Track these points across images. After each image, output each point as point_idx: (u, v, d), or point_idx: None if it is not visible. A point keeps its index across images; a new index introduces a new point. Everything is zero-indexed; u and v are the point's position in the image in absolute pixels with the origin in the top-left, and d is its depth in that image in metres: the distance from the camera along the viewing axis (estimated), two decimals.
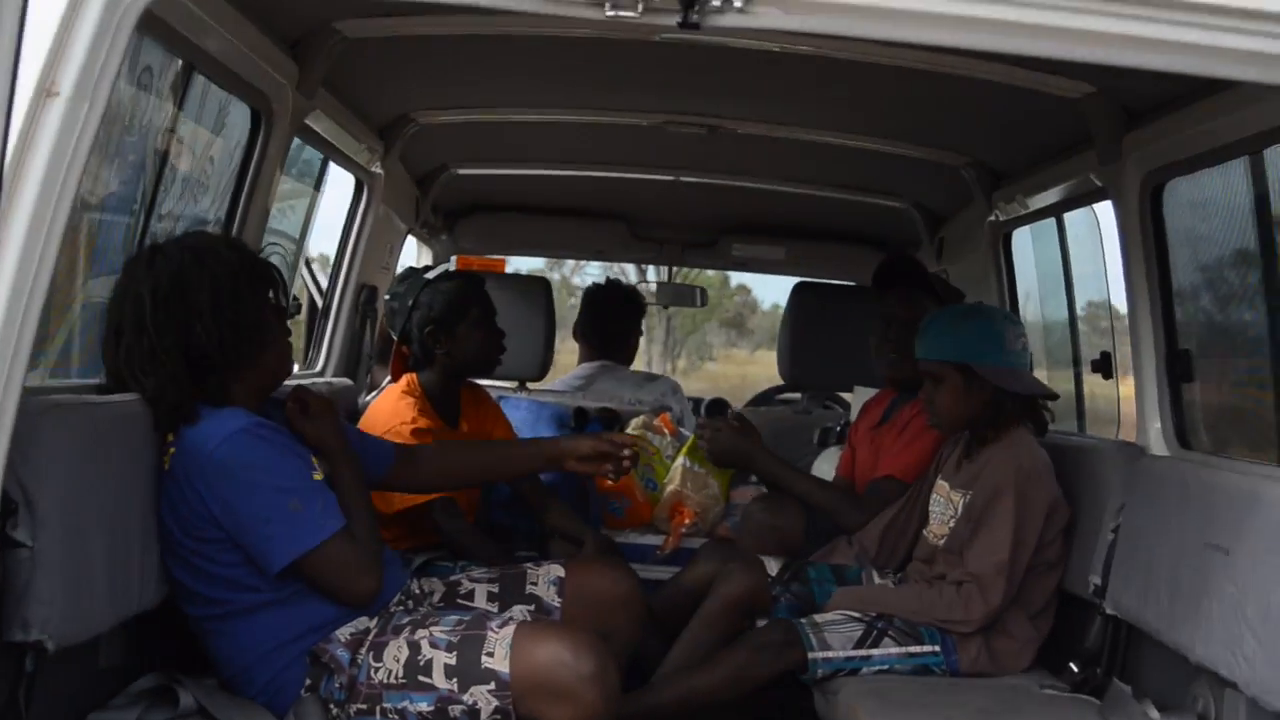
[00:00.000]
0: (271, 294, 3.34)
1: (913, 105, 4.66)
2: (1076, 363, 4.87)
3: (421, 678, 3.20)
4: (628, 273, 11.10)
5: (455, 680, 3.19)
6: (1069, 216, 4.90)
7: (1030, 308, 5.39)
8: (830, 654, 4.02)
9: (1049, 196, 4.86)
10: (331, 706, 3.21)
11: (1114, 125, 4.04)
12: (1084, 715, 3.67)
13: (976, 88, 4.04)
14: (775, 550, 4.56)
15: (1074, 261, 4.95)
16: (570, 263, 19.14)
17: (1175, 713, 3.47)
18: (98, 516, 2.82)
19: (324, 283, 5.49)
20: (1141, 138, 3.95)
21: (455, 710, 3.19)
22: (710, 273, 22.07)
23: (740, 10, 2.41)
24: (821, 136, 5.25)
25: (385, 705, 3.21)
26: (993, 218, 5.36)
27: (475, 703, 3.17)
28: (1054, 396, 4.33)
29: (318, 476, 3.27)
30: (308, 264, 5.58)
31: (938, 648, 4.05)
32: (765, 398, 7.54)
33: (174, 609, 3.27)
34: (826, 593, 4.22)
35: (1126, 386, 4.37)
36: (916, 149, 5.30)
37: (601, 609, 3.74)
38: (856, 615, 4.09)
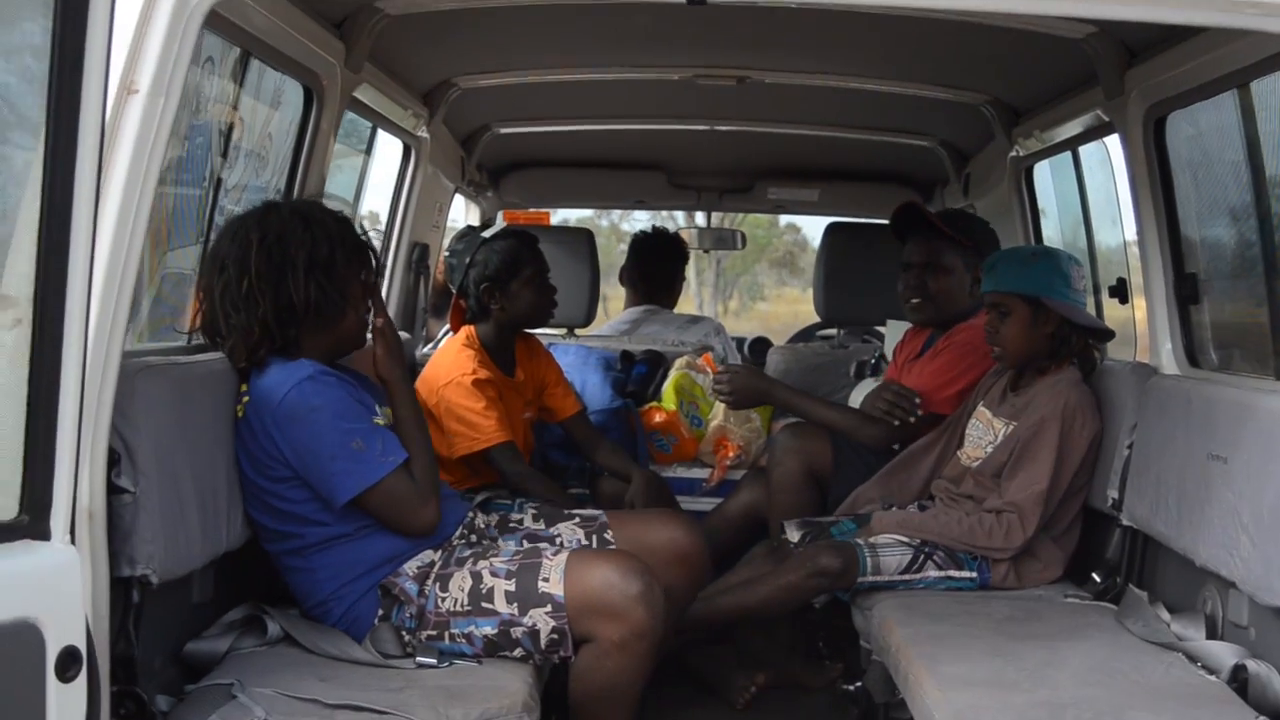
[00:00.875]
0: (364, 272, 3.63)
1: (933, 48, 4.83)
2: (1096, 290, 5.08)
3: (485, 604, 3.49)
4: (677, 219, 11.35)
5: (515, 605, 3.47)
6: (1084, 150, 5.08)
7: (1052, 238, 5.60)
8: (879, 577, 4.27)
9: (1063, 132, 5.07)
10: (403, 633, 3.50)
11: (1116, 62, 4.24)
12: (1101, 620, 3.92)
13: (991, 30, 4.22)
14: (804, 471, 4.81)
15: (1090, 193, 5.14)
16: (619, 211, 19.24)
17: (1185, 614, 3.72)
18: (188, 464, 3.14)
19: (377, 242, 5.76)
20: (1142, 73, 4.15)
21: (517, 632, 3.47)
22: (760, 215, 22.25)
23: None
24: (847, 82, 5.44)
25: (453, 630, 3.49)
26: (1014, 153, 5.57)
27: (535, 624, 3.46)
28: (1112, 334, 4.54)
29: (379, 421, 3.56)
30: (361, 225, 5.86)
31: (974, 574, 4.30)
32: (806, 334, 7.78)
33: (258, 549, 3.60)
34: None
35: (1143, 310, 4.56)
36: (939, 90, 5.50)
37: (662, 561, 3.87)
38: (906, 540, 4.32)
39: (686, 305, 29.55)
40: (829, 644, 4.97)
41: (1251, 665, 3.27)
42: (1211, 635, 3.57)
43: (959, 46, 4.74)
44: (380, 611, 3.53)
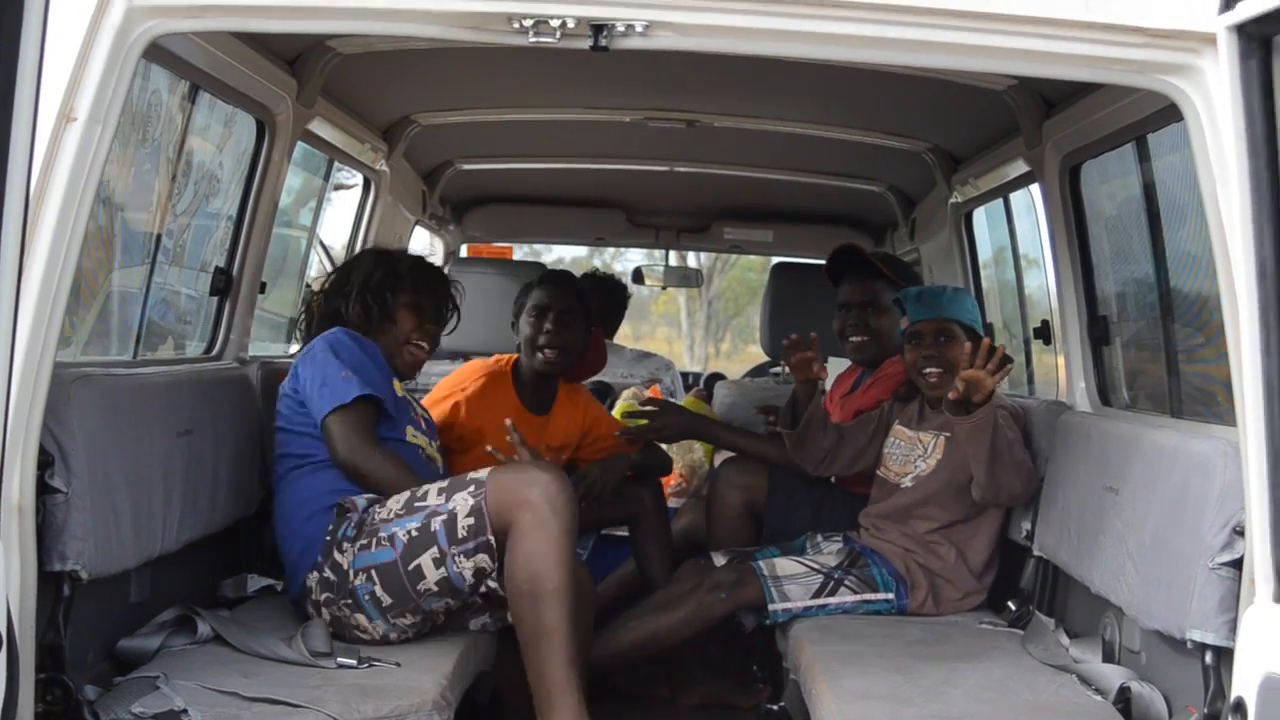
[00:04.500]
0: (411, 301, 4.32)
1: (874, 96, 5.03)
2: (1025, 330, 5.28)
3: (417, 504, 3.78)
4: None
5: (443, 496, 3.76)
6: (1014, 198, 5.30)
7: (987, 280, 5.81)
8: (789, 605, 4.46)
9: (995, 179, 5.28)
10: (340, 556, 3.78)
11: (1034, 113, 4.46)
12: (1007, 644, 4.08)
13: (925, 80, 4.42)
14: (742, 503, 5.01)
15: (1020, 238, 5.36)
16: (610, 250, 19.45)
17: (1085, 639, 3.89)
18: (121, 469, 3.31)
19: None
20: (1057, 124, 4.36)
21: (435, 523, 3.72)
22: (753, 257, 22.44)
23: (642, 34, 2.89)
24: (795, 128, 5.65)
25: (380, 535, 3.77)
26: (953, 199, 5.78)
27: (454, 508, 3.71)
28: (1011, 361, 4.75)
29: (399, 390, 4.18)
30: (328, 254, 6.05)
31: (891, 595, 4.48)
32: (760, 370, 7.97)
33: (196, 553, 3.80)
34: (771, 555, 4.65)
35: None
36: (884, 137, 5.71)
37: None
38: (815, 566, 4.53)
39: (677, 346, 29.64)
40: (763, 667, 5.13)
41: (1135, 686, 3.44)
42: (1108, 659, 3.72)
43: (898, 95, 4.93)
44: (330, 528, 3.86)
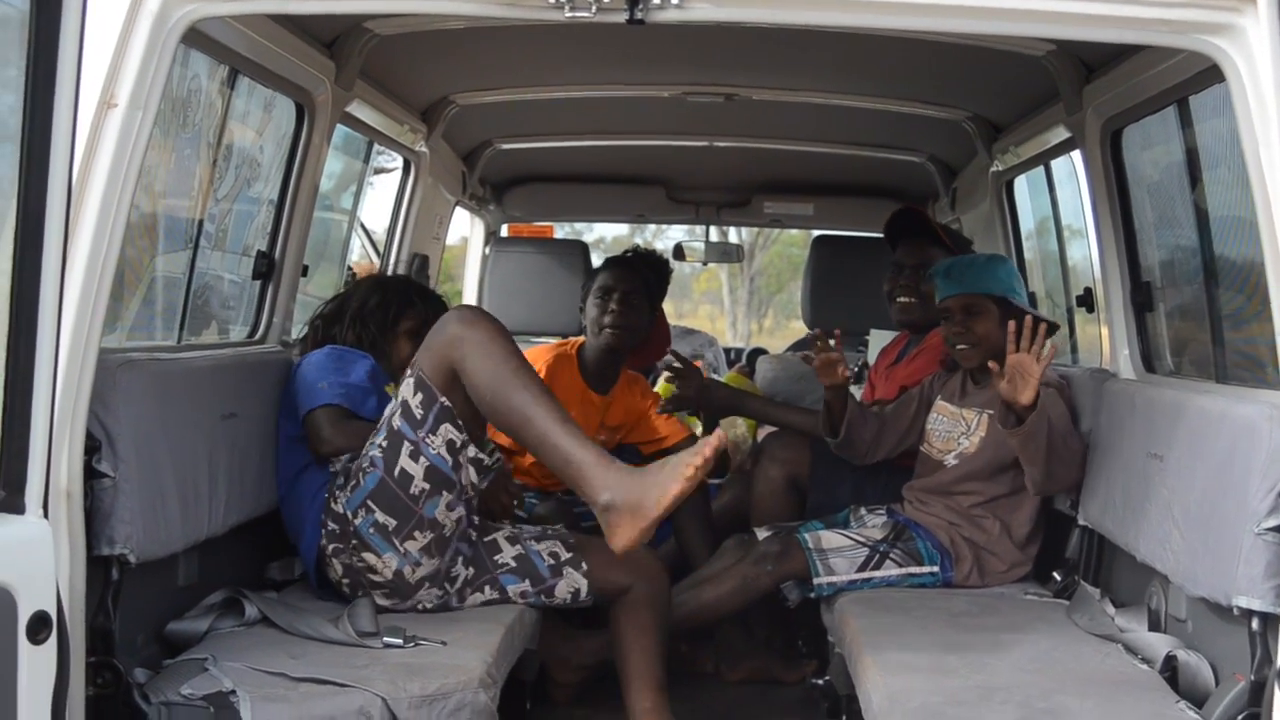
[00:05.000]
0: (408, 329, 4.41)
1: (914, 65, 5.01)
2: (1068, 298, 5.25)
3: (379, 428, 3.85)
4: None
5: (392, 405, 3.85)
6: (1055, 165, 5.26)
7: (1030, 249, 5.78)
8: (834, 578, 4.46)
9: (1035, 146, 5.24)
10: (336, 505, 3.86)
11: (1074, 78, 4.41)
12: (1052, 615, 4.08)
13: (964, 47, 4.40)
14: (785, 479, 5.01)
15: (1062, 206, 5.32)
16: (652, 227, 19.41)
17: (1130, 608, 3.87)
18: (169, 453, 3.35)
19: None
20: (1098, 89, 4.31)
21: (395, 420, 3.78)
22: (794, 231, 22.37)
23: (678, 6, 2.88)
24: (833, 99, 5.62)
25: (363, 466, 3.84)
26: (994, 167, 5.74)
27: (404, 398, 3.78)
28: (1058, 326, 4.73)
29: (391, 391, 4.18)
30: (369, 236, 6.09)
31: (936, 568, 4.48)
32: (801, 344, 7.95)
33: (243, 537, 3.84)
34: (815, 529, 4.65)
35: None
36: (924, 107, 5.67)
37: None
38: (860, 539, 4.53)
39: (720, 323, 29.63)
40: (808, 643, 5.15)
41: (1181, 655, 3.42)
42: (1154, 628, 3.71)
43: (937, 64, 4.91)
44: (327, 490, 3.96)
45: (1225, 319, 3.91)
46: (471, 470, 3.81)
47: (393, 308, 4.41)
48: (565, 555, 4.06)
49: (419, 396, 3.74)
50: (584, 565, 4.06)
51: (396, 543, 3.80)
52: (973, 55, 4.51)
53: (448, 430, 3.74)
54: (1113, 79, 4.19)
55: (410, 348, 4.36)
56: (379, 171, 6.44)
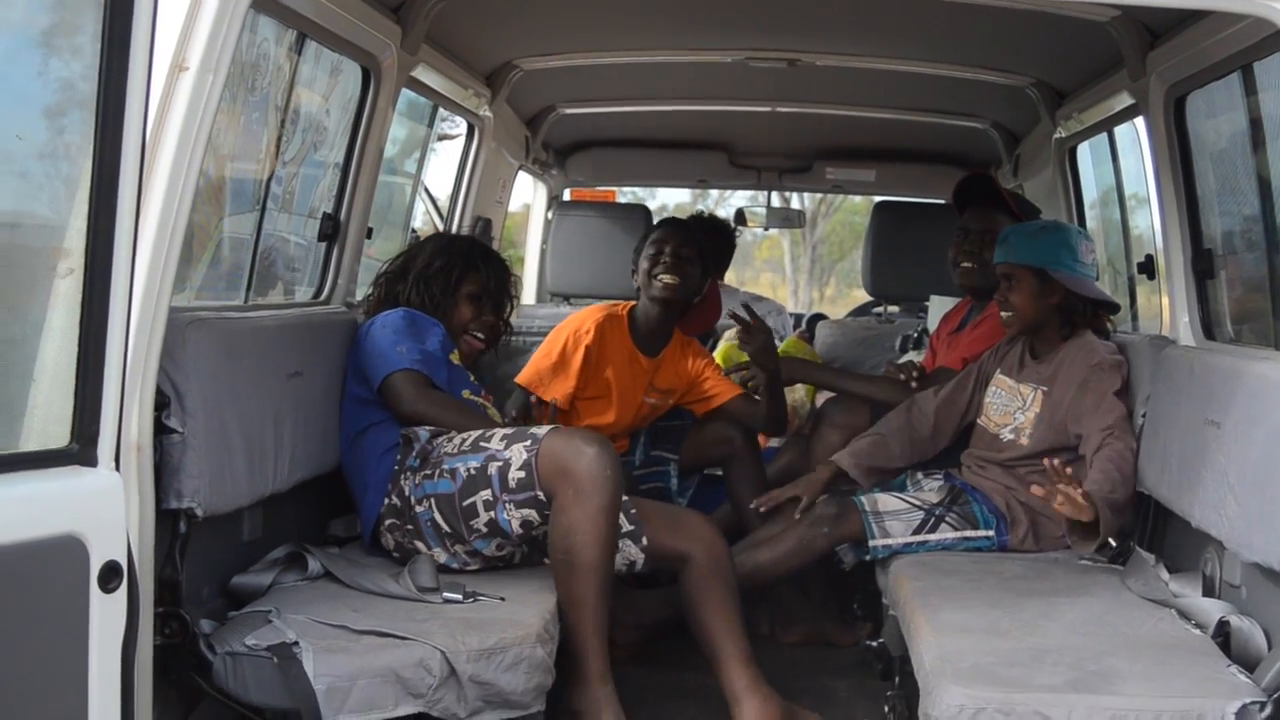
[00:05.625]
0: (470, 291, 4.46)
1: (978, 31, 5.01)
2: (1129, 265, 5.24)
3: (481, 444, 3.92)
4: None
5: (505, 442, 3.88)
6: (1118, 132, 5.23)
7: (1092, 217, 5.76)
8: (890, 540, 4.49)
9: (1098, 113, 5.22)
10: (404, 483, 3.93)
11: (1138, 44, 4.40)
12: (1106, 580, 4.08)
13: (1027, 13, 4.39)
14: (844, 444, 5.02)
15: (1125, 173, 5.30)
16: (714, 194, 19.36)
17: (1185, 573, 3.88)
18: (235, 410, 3.44)
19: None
20: (1162, 55, 4.29)
21: (492, 467, 3.84)
22: (857, 199, 22.25)
23: None
24: (896, 65, 5.62)
25: (443, 467, 3.91)
26: (1058, 134, 5.72)
27: (511, 457, 3.83)
28: (1117, 307, 4.72)
29: (455, 360, 4.31)
30: (432, 200, 6.15)
31: (992, 532, 4.49)
32: (863, 310, 7.97)
33: (306, 492, 3.93)
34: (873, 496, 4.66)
35: None
36: (988, 72, 5.66)
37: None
38: (916, 503, 4.55)
39: (781, 292, 29.58)
40: (863, 605, 5.18)
41: (1235, 620, 3.42)
42: (1208, 593, 3.71)
43: (1001, 29, 4.90)
44: (398, 457, 4.03)
45: None
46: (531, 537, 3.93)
47: (456, 270, 4.46)
48: (626, 527, 4.09)
49: (522, 474, 3.81)
50: (644, 540, 4.10)
51: (447, 544, 3.92)
52: (1036, 20, 4.50)
53: (529, 514, 3.84)
54: (1177, 45, 4.17)
55: (471, 310, 4.43)
56: (442, 138, 6.50)
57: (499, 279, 4.55)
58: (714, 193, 18.30)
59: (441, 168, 6.08)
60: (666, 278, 5.10)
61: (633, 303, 5.27)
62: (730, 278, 7.28)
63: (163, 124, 2.82)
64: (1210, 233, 4.37)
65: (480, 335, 4.52)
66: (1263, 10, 2.92)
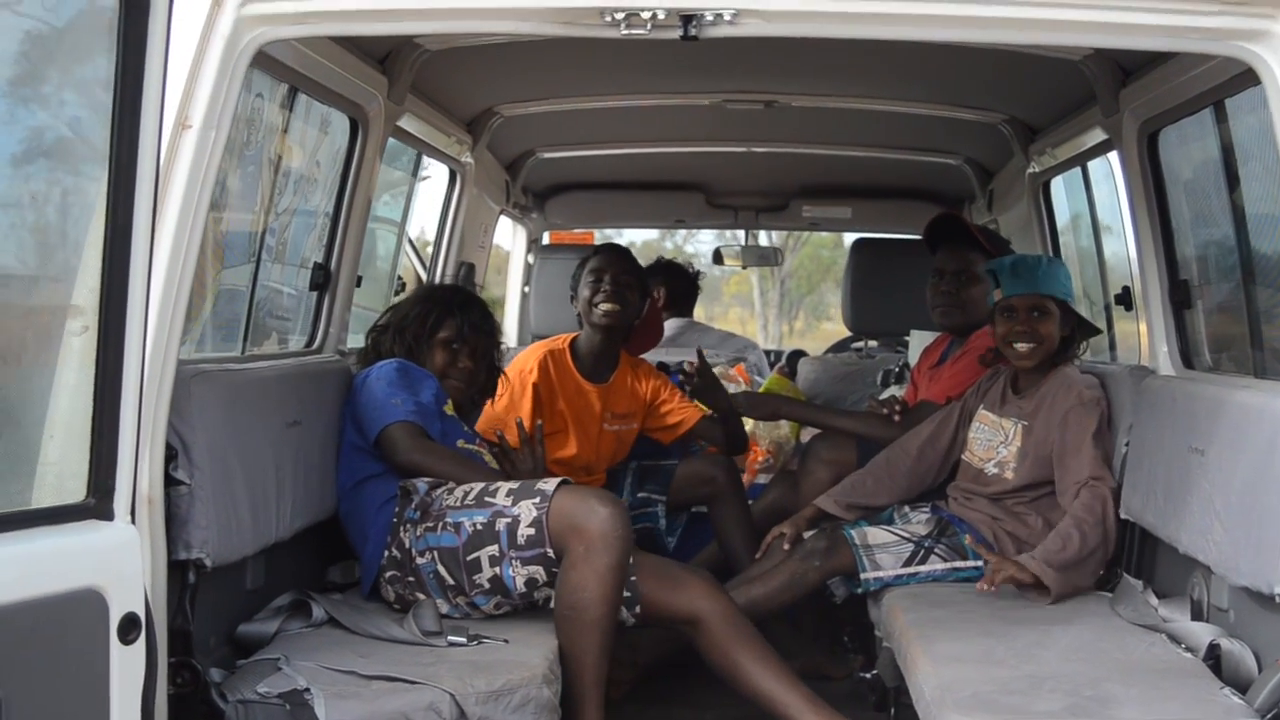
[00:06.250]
0: (444, 339, 4.50)
1: (951, 69, 5.10)
2: (1106, 296, 5.33)
3: (487, 498, 3.93)
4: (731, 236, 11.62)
5: (512, 498, 3.90)
6: (1092, 166, 5.33)
7: (1067, 249, 5.85)
8: (881, 573, 4.54)
9: (1072, 148, 5.32)
10: (404, 535, 3.94)
11: (1111, 81, 4.49)
12: (1096, 606, 4.13)
13: (1000, 52, 4.47)
14: (832, 480, 5.08)
15: (1099, 206, 5.39)
16: (681, 233, 19.50)
17: (1173, 598, 3.96)
18: (239, 461, 3.48)
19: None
20: (1134, 92, 4.39)
21: (500, 523, 3.87)
22: (824, 234, 22.36)
23: (730, 23, 2.99)
24: (871, 104, 5.72)
25: (446, 520, 3.93)
26: (1031, 169, 5.82)
27: (519, 514, 3.85)
28: (1099, 330, 4.81)
29: (449, 410, 4.35)
30: (412, 245, 6.21)
31: (980, 563, 4.53)
32: (841, 346, 8.04)
33: (307, 541, 3.96)
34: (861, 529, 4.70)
35: None
36: (961, 110, 5.76)
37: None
38: (905, 535, 4.61)
39: (751, 326, 29.63)
40: (854, 638, 5.23)
41: (1225, 643, 3.49)
42: (1197, 618, 3.78)
43: (974, 68, 5.00)
44: (395, 509, 4.04)
45: (1262, 314, 3.98)
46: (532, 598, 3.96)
47: (431, 316, 4.50)
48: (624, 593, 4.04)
49: (532, 531, 3.85)
50: (637, 607, 4.07)
51: (450, 596, 3.95)
52: (1009, 60, 4.58)
53: (536, 570, 3.88)
54: (1149, 82, 4.26)
55: (444, 356, 4.48)
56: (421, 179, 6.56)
57: (474, 324, 4.57)
58: (681, 231, 18.45)
59: (418, 213, 6.14)
60: (607, 305, 5.19)
61: (572, 335, 5.34)
62: (699, 313, 7.36)
63: (168, 181, 2.88)
64: (1186, 263, 4.46)
65: (458, 382, 4.54)
66: (1233, 51, 3.01)
